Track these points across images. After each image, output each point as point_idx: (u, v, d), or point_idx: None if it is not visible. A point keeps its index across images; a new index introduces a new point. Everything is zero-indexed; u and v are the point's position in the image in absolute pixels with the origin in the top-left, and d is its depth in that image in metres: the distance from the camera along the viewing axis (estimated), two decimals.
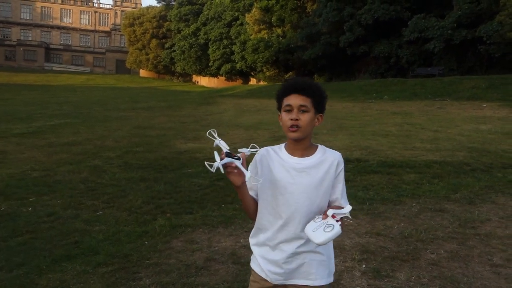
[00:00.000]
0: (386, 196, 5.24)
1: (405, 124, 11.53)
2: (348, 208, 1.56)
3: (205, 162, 1.54)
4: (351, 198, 5.10)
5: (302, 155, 1.71)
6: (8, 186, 5.96)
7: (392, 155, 7.48)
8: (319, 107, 1.70)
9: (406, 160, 7.02)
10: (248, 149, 1.63)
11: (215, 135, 1.58)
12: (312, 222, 1.55)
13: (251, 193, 1.77)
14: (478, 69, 24.10)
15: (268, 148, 1.78)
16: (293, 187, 1.68)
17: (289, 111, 1.66)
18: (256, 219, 1.79)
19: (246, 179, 1.56)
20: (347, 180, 5.97)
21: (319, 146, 1.77)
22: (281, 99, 1.71)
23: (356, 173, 6.28)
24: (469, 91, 18.79)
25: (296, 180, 1.68)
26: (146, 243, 4.01)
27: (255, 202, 1.78)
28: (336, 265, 3.45)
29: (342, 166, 1.74)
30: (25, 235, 4.23)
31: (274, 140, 9.24)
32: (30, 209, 5.02)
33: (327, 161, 1.71)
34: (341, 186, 1.75)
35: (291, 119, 1.65)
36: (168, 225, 4.38)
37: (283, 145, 1.78)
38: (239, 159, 1.54)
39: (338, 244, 3.87)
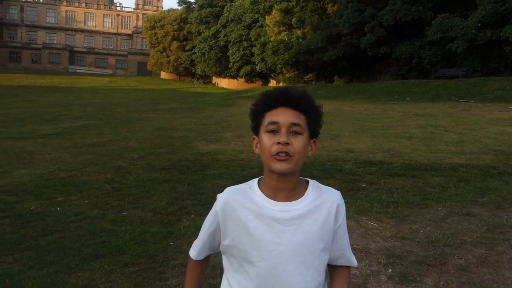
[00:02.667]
0: (411, 200, 5.17)
1: (429, 126, 11.35)
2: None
3: None
4: (375, 201, 5.08)
5: (288, 198, 1.20)
6: (37, 186, 6.12)
7: (416, 157, 7.38)
8: (314, 129, 1.22)
9: (431, 163, 6.92)
10: None
11: None
12: None
13: (203, 254, 1.33)
14: (503, 70, 23.55)
15: (233, 189, 1.26)
16: (280, 248, 1.18)
17: (274, 131, 1.16)
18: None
19: None
20: (370, 183, 5.97)
21: (310, 181, 1.27)
22: (261, 115, 1.20)
23: (380, 176, 6.22)
24: (494, 92, 18.38)
25: (283, 238, 1.18)
26: (171, 243, 4.07)
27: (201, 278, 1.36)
28: (361, 269, 3.45)
29: (344, 212, 1.26)
30: (55, 234, 4.34)
31: None
32: (58, 208, 5.15)
33: (324, 205, 1.22)
34: (346, 238, 1.30)
35: (278, 143, 1.15)
36: (193, 226, 4.42)
37: (254, 182, 1.25)
38: None
39: (364, 248, 3.84)
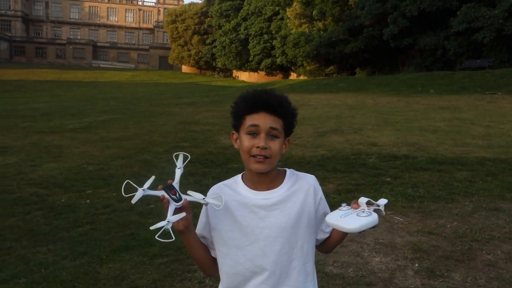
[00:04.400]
0: (437, 194, 5.11)
1: (454, 119, 11.13)
2: (384, 200, 1.21)
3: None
4: (400, 195, 5.04)
5: (268, 188, 1.35)
6: (67, 179, 6.31)
7: (441, 151, 7.27)
8: (289, 130, 1.35)
9: (457, 157, 6.81)
10: (203, 198, 1.28)
11: (179, 161, 1.34)
12: (337, 210, 1.23)
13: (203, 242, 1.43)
14: None
15: (220, 185, 1.41)
16: (265, 232, 1.32)
17: (254, 134, 1.29)
18: (222, 281, 1.40)
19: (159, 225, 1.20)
20: (395, 177, 5.92)
21: (287, 170, 1.41)
22: (242, 116, 1.32)
23: (404, 170, 6.16)
24: None
25: (267, 222, 1.32)
26: None
27: (209, 253, 1.42)
28: (387, 263, 3.46)
29: (320, 192, 1.40)
30: (85, 226, 4.49)
31: (317, 136, 9.20)
32: (88, 201, 5.31)
33: (301, 189, 1.36)
34: (325, 223, 1.38)
35: (257, 147, 1.28)
36: None
37: (238, 177, 1.41)
38: (179, 200, 1.27)
39: (390, 242, 3.84)
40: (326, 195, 4.88)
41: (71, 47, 76.93)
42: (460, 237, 3.93)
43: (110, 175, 6.52)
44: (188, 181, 6.10)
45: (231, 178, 1.42)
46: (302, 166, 6.61)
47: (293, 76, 46.56)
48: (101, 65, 73.98)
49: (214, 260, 1.42)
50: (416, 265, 3.42)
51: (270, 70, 48.35)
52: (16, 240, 4.13)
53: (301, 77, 41.06)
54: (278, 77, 49.12)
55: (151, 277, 3.39)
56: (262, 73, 51.22)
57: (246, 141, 1.30)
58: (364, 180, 5.75)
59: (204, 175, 6.40)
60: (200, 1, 67.29)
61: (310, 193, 1.37)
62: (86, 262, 3.67)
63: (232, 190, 1.37)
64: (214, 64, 61.55)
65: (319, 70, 37.87)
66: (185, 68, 72.03)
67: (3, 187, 5.90)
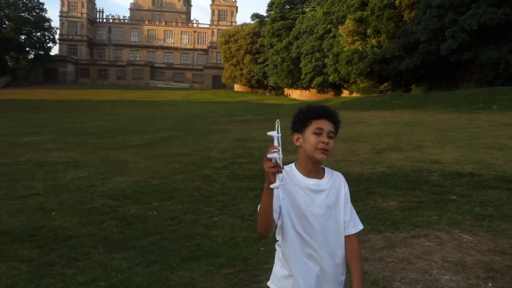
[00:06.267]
0: (508, 213, 4.89)
1: None
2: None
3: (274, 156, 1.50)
4: (468, 213, 4.88)
5: (316, 176, 1.79)
6: (134, 192, 6.66)
7: (510, 169, 6.93)
8: (336, 134, 1.82)
9: None
10: (277, 133, 1.55)
11: (278, 128, 1.55)
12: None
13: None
14: None
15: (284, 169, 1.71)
16: (315, 209, 1.75)
17: (319, 134, 1.74)
18: (281, 248, 1.83)
19: (276, 186, 1.52)
20: (461, 195, 5.73)
21: (325, 168, 1.86)
22: (309, 121, 1.76)
23: (471, 188, 5.93)
24: None
25: (316, 202, 1.76)
26: (262, 248, 4.24)
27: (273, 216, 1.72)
28: (458, 282, 3.38)
29: (347, 185, 1.85)
30: (155, 236, 4.72)
31: (375, 153, 9.08)
32: (155, 213, 5.58)
33: (336, 180, 1.83)
34: (349, 207, 1.84)
35: (323, 142, 1.73)
36: None
37: (292, 165, 1.82)
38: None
39: (459, 261, 3.73)
40: (389, 212, 4.82)
41: (130, 68, 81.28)
42: None
43: (174, 189, 6.80)
44: (248, 196, 6.25)
45: (287, 165, 1.78)
46: (362, 183, 6.56)
47: (345, 93, 46.14)
48: (158, 85, 77.33)
49: (273, 224, 1.71)
50: (490, 284, 3.30)
51: (322, 87, 48.23)
52: (93, 247, 4.43)
53: (354, 95, 40.60)
54: (330, 95, 48.89)
55: (220, 286, 3.52)
56: (314, 90, 51.21)
57: (312, 139, 1.74)
58: (427, 198, 5.61)
59: (263, 190, 6.50)
60: (252, 22, 68.81)
61: (342, 184, 1.83)
62: (158, 269, 3.87)
63: (290, 175, 1.76)
64: (265, 83, 62.39)
65: (372, 87, 37.32)
66: (237, 87, 73.57)
67: (78, 198, 6.34)
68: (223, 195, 6.31)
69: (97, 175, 8.02)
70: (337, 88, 47.25)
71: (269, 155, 1.50)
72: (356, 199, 5.72)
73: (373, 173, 7.18)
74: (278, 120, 1.56)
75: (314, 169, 1.79)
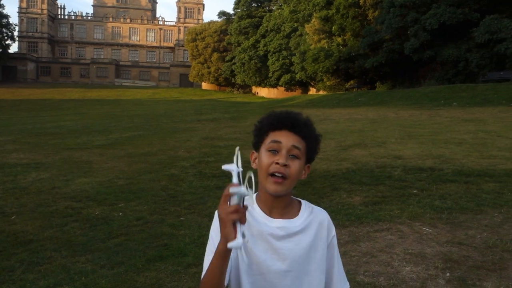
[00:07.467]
0: (465, 206, 5.11)
1: (479, 131, 11.03)
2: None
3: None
4: (428, 207, 5.06)
5: (282, 215, 1.25)
6: (99, 193, 6.52)
7: (468, 163, 7.24)
8: (311, 155, 1.26)
9: (484, 169, 6.76)
10: (237, 166, 1.08)
11: (238, 160, 1.09)
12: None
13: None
14: None
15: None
16: (278, 264, 1.22)
17: (275, 151, 1.21)
18: None
19: (237, 245, 1.00)
20: (421, 189, 5.94)
21: (302, 202, 1.31)
22: (266, 133, 1.25)
23: (431, 182, 6.16)
24: None
25: (280, 253, 1.23)
26: None
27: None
28: (418, 273, 3.50)
29: (334, 230, 1.31)
30: (120, 237, 4.65)
31: (341, 150, 9.25)
32: (120, 213, 5.48)
33: (315, 221, 1.28)
34: (336, 266, 1.31)
35: (277, 163, 1.19)
36: None
37: (254, 199, 1.19)
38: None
39: (419, 253, 3.87)
40: (353, 207, 4.94)
41: (94, 66, 79.17)
42: (491, 247, 3.93)
43: (140, 189, 6.71)
44: (216, 194, 6.24)
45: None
46: (327, 179, 6.68)
47: (312, 91, 46.71)
48: (123, 84, 75.71)
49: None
50: (448, 274, 3.45)
51: (289, 85, 48.68)
52: (55, 250, 4.31)
53: (321, 92, 41.17)
54: (297, 93, 49.37)
55: (187, 285, 3.51)
56: (282, 88, 51.59)
57: (265, 158, 1.21)
58: (390, 193, 5.78)
59: None
60: (219, 20, 68.47)
61: (324, 226, 1.28)
62: (123, 271, 3.82)
63: (249, 214, 1.21)
64: (233, 81, 62.31)
65: (339, 85, 37.95)
66: (205, 85, 73.09)
67: (40, 201, 6.14)
68: (190, 194, 6.28)
69: (59, 176, 7.80)
70: (304, 86, 47.78)
71: (231, 190, 1.03)
72: (322, 195, 5.83)
73: (338, 170, 7.32)
74: (238, 147, 1.11)
75: (276, 204, 1.25)
